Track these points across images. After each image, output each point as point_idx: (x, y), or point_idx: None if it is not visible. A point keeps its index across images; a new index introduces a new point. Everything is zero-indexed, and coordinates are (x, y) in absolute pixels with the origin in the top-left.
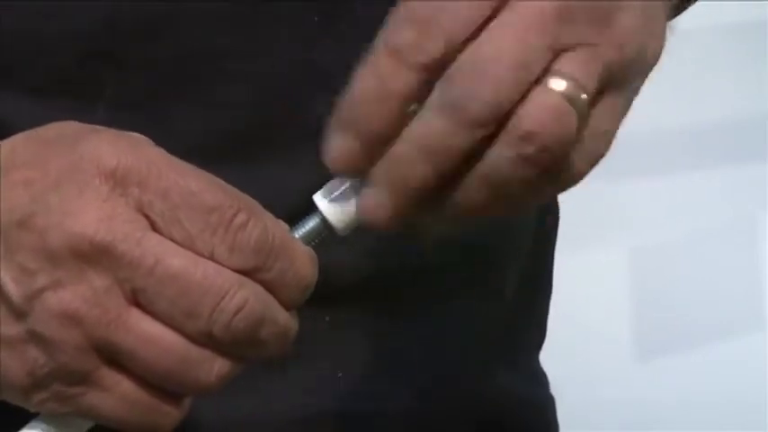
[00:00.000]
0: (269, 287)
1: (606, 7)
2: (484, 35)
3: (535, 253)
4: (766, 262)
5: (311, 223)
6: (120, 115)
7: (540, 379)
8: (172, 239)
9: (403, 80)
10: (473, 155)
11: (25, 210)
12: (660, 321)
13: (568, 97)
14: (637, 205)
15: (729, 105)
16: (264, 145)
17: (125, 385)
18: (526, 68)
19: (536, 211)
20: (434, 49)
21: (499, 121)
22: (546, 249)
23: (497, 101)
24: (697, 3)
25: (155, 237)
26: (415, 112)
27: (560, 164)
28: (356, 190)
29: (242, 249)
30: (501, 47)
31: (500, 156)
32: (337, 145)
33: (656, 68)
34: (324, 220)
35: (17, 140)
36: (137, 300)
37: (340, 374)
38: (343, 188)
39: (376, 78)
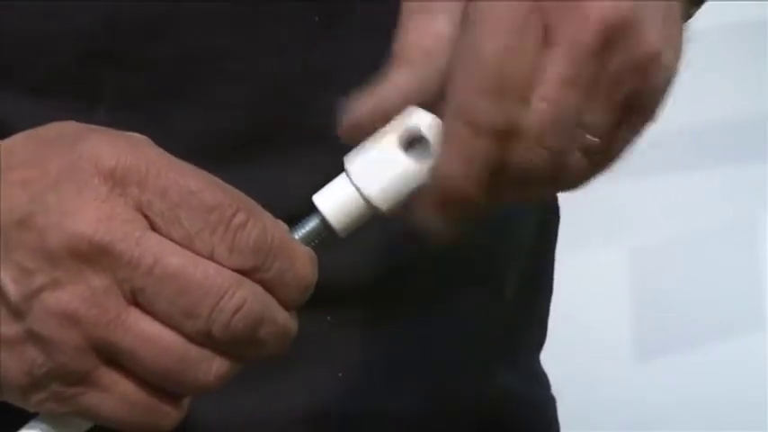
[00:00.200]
0: (268, 287)
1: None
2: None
3: (535, 253)
4: (766, 262)
5: (311, 224)
6: (120, 115)
7: (540, 379)
8: (171, 239)
9: (490, 151)
10: None
11: (24, 209)
12: (660, 321)
13: (585, 148)
14: (637, 205)
15: (729, 105)
16: (264, 145)
17: (124, 385)
18: (569, 130)
19: (536, 211)
20: (513, 114)
21: None
22: (546, 249)
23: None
24: None
25: (154, 236)
26: None
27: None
28: (357, 192)
29: (241, 249)
30: (557, 110)
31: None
32: (437, 223)
33: None
34: (324, 221)
35: (16, 140)
36: (136, 299)
37: (340, 374)
38: (343, 189)
39: (464, 157)
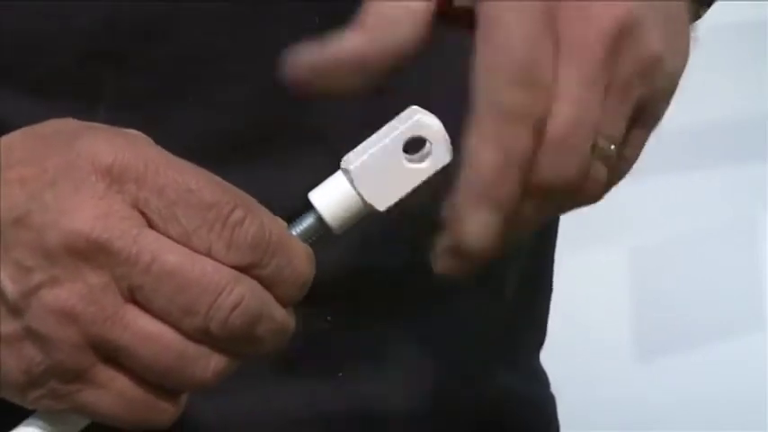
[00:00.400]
0: (266, 284)
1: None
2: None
3: (535, 253)
4: (766, 262)
5: (307, 221)
6: (119, 115)
7: (540, 378)
8: (168, 236)
9: (525, 142)
10: None
11: (22, 208)
12: (660, 321)
13: (604, 157)
14: (637, 205)
15: (729, 105)
16: (264, 145)
17: (121, 382)
18: (591, 132)
19: None
20: (543, 105)
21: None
22: (546, 249)
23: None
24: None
25: (151, 234)
26: None
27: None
28: (352, 188)
29: (239, 246)
30: (581, 111)
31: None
32: (477, 222)
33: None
34: (320, 219)
35: (14, 137)
36: (133, 297)
37: (340, 374)
38: (339, 186)
39: (499, 145)
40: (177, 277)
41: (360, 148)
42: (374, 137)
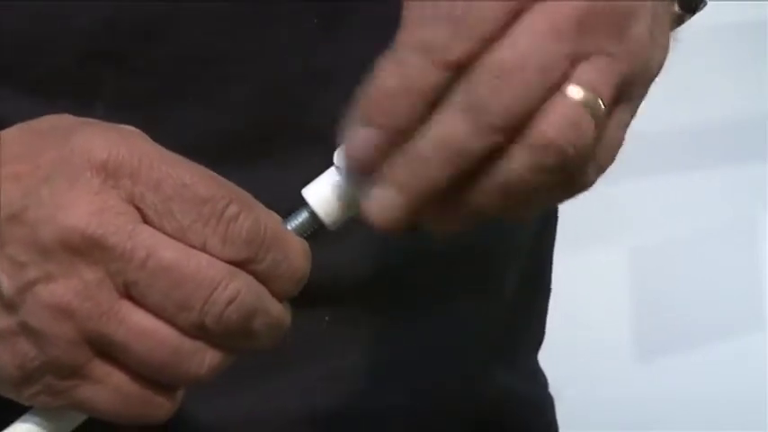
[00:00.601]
0: (261, 278)
1: (624, 17)
2: (508, 39)
3: (535, 253)
4: (766, 262)
5: (301, 217)
6: (119, 115)
7: (539, 379)
8: (164, 231)
9: (429, 77)
10: (488, 158)
11: (17, 204)
12: (660, 321)
13: (588, 106)
14: (637, 205)
15: (729, 105)
16: (264, 146)
17: (117, 377)
18: (548, 75)
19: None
20: (463, 48)
21: (517, 126)
22: (545, 249)
23: (519, 107)
24: None
25: (146, 229)
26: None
27: (576, 172)
28: (345, 184)
29: (234, 240)
30: (525, 52)
31: (518, 162)
32: (357, 137)
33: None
34: (313, 214)
35: (8, 133)
36: (129, 292)
37: (339, 374)
38: (332, 182)
39: (402, 74)
40: (172, 273)
41: None
42: None
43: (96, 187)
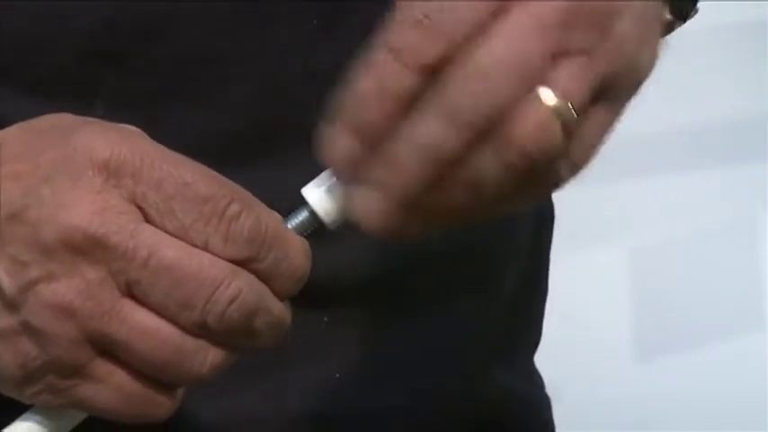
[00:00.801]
0: (263, 277)
1: (606, 16)
2: (484, 39)
3: (533, 254)
4: (766, 262)
5: (300, 216)
6: (119, 115)
7: (536, 380)
8: (165, 231)
9: (403, 81)
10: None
11: (17, 203)
12: (660, 321)
13: (558, 112)
14: (637, 205)
15: (729, 105)
16: (264, 146)
17: (119, 376)
18: (523, 76)
19: (532, 212)
20: (435, 51)
21: (489, 127)
22: (543, 250)
23: (492, 109)
24: (697, 3)
25: (148, 228)
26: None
27: (546, 173)
28: (345, 183)
29: (235, 239)
30: (500, 53)
31: (486, 161)
32: (335, 142)
33: (656, 68)
34: (312, 213)
35: (9, 132)
36: (131, 291)
37: (338, 375)
38: (331, 181)
39: (376, 79)
40: (174, 271)
41: None
42: None
43: (98, 186)
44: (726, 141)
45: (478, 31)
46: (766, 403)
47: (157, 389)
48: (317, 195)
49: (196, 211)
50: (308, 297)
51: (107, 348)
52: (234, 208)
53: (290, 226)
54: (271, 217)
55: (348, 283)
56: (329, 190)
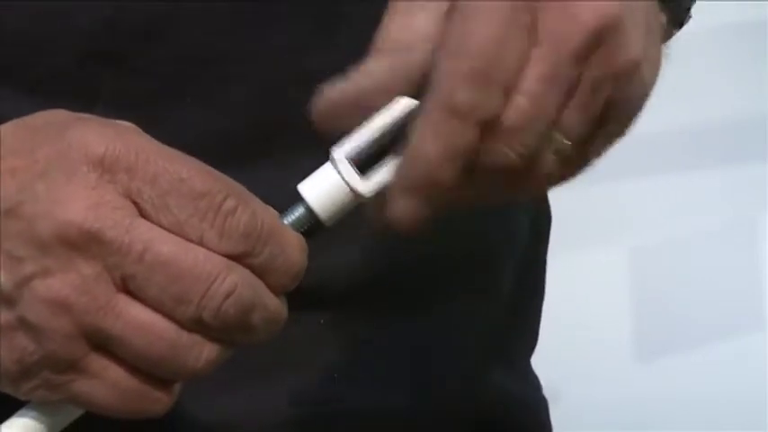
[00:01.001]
0: (258, 272)
1: (620, 51)
2: (522, 86)
3: (530, 255)
4: (766, 262)
5: (297, 212)
6: (119, 115)
7: (533, 381)
8: (161, 226)
9: (467, 138)
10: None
11: (13, 199)
12: (660, 321)
13: (558, 151)
14: (637, 205)
15: (729, 105)
16: (263, 146)
17: (115, 372)
18: (548, 120)
19: (530, 213)
20: (495, 105)
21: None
22: (540, 252)
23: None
24: (697, 3)
25: (144, 223)
26: None
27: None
28: (341, 180)
29: (231, 234)
30: (534, 101)
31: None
32: (406, 208)
33: None
34: (309, 209)
35: (4, 129)
36: (126, 287)
37: (336, 375)
38: (328, 177)
39: (440, 139)
40: (170, 267)
41: (347, 136)
42: (363, 126)
43: (93, 182)
44: (726, 141)
45: (517, 75)
46: (766, 403)
47: (153, 384)
48: (314, 191)
49: (191, 207)
50: (308, 297)
51: (102, 343)
52: (229, 203)
53: (286, 222)
54: (267, 212)
55: (345, 285)
56: (326, 186)
